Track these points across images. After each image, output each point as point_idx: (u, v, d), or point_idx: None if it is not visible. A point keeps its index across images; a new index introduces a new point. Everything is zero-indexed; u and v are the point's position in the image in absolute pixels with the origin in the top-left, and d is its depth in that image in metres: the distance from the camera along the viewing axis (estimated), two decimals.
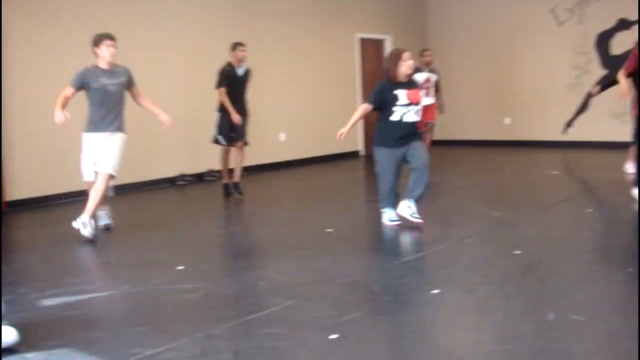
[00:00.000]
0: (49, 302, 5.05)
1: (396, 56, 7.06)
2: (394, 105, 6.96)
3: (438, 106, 12.29)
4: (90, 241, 6.97)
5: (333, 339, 4.01)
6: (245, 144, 9.72)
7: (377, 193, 7.35)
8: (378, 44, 15.15)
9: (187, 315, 4.66)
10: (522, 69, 15.18)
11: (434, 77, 11.89)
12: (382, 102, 7.06)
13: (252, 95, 9.87)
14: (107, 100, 7.32)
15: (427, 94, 11.53)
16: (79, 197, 9.47)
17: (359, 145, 14.61)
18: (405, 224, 7.06)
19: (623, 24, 13.89)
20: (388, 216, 7.19)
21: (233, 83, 9.52)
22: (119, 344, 4.11)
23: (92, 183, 7.38)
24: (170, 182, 10.92)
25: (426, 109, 11.48)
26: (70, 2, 9.76)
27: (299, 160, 12.98)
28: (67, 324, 4.52)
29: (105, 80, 7.26)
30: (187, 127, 10.99)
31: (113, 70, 7.36)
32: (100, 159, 7.28)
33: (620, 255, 5.89)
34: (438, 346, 4.04)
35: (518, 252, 5.88)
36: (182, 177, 11.02)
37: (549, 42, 14.73)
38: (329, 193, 10.05)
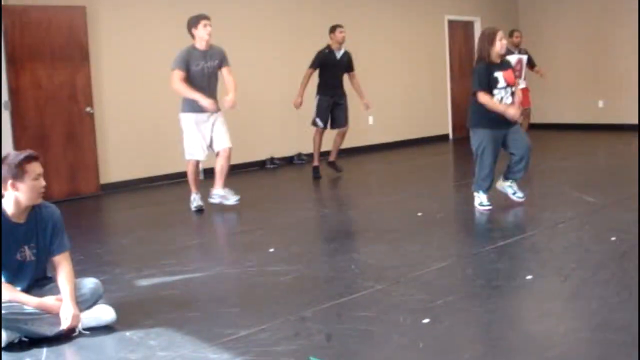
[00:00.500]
0: (144, 282, 5.18)
1: (490, 35, 6.94)
2: (495, 88, 6.87)
3: (541, 74, 12.21)
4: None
5: (425, 323, 4.00)
6: (343, 126, 9.92)
7: (472, 175, 7.27)
8: (467, 25, 14.95)
9: (279, 297, 4.71)
10: (615, 50, 14.75)
11: (524, 58, 11.66)
12: (489, 84, 6.93)
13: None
14: (207, 81, 7.48)
15: (518, 77, 11.33)
16: (172, 180, 9.70)
17: (448, 128, 14.48)
18: (494, 210, 6.98)
19: None
20: (480, 200, 7.11)
21: (329, 66, 9.60)
22: (213, 324, 4.18)
23: (196, 163, 7.63)
24: (259, 166, 11.02)
25: (525, 92, 11.36)
26: None
27: (388, 143, 12.94)
28: (162, 304, 4.62)
29: (203, 63, 7.41)
30: (278, 110, 11.08)
31: (210, 51, 7.50)
32: (215, 137, 7.53)
33: None
34: (531, 333, 3.98)
35: (613, 238, 5.74)
36: (272, 160, 11.11)
37: None
38: (419, 176, 10.00)
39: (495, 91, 6.88)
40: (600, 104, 15.14)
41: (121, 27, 9.56)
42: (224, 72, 7.65)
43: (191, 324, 4.20)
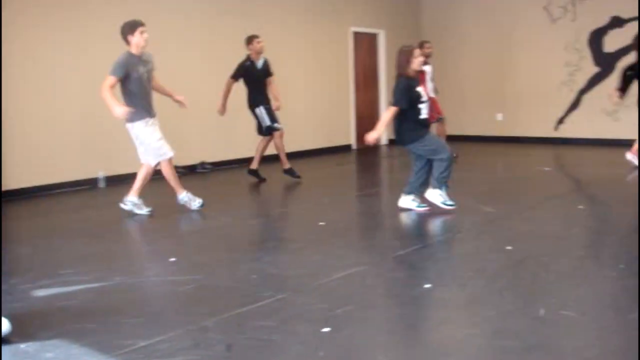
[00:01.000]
0: (41, 292, 5.05)
1: (408, 52, 7.14)
2: (420, 102, 7.06)
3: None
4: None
5: (325, 332, 4.02)
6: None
7: (406, 182, 7.55)
8: (372, 37, 15.15)
9: (179, 307, 4.66)
10: (515, 65, 15.21)
11: (429, 69, 11.88)
12: (410, 102, 7.12)
13: (244, 90, 9.94)
14: (146, 87, 7.54)
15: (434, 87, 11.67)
16: (71, 188, 9.51)
17: (351, 138, 14.62)
18: (395, 220, 7.10)
19: (616, 22, 13.92)
20: (442, 199, 7.44)
21: (253, 77, 9.74)
22: (112, 335, 4.11)
23: (170, 161, 7.81)
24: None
25: (434, 102, 11.59)
26: None
27: (292, 153, 12.93)
28: (60, 315, 4.52)
29: (141, 69, 7.42)
30: (180, 119, 10.97)
31: (144, 57, 7.53)
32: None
33: (612, 252, 5.91)
34: (430, 340, 4.06)
35: (510, 247, 5.90)
36: (175, 168, 10.96)
37: (543, 39, 14.77)
38: (322, 186, 10.06)
39: (421, 105, 7.09)
40: (499, 117, 15.55)
41: (28, 33, 9.32)
42: (155, 78, 7.77)
43: (89, 335, 4.12)
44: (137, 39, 7.36)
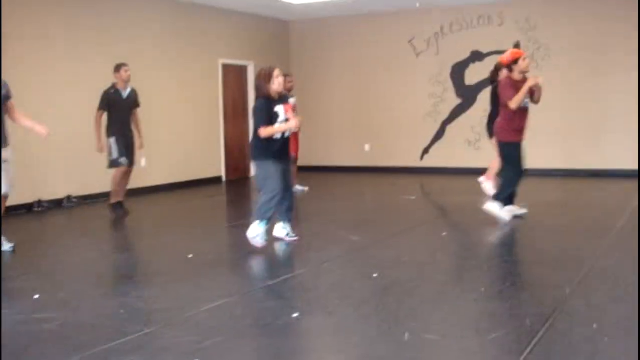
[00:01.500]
0: None
1: (267, 74, 7.15)
2: (276, 121, 7.06)
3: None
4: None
5: None
6: (132, 165, 9.98)
7: (256, 210, 7.38)
8: (241, 70, 15.23)
9: (44, 346, 4.54)
10: (382, 97, 15.59)
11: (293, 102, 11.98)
12: (271, 120, 7.12)
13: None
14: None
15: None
16: None
17: (221, 170, 14.61)
18: (263, 250, 7.13)
19: (476, 56, 14.51)
20: (285, 232, 7.46)
21: (117, 106, 9.59)
22: None
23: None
24: (27, 208, 10.56)
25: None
26: None
27: (161, 185, 12.85)
28: None
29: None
30: (45, 150, 10.73)
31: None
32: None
33: (473, 276, 6.13)
34: None
35: (375, 275, 6.04)
36: (39, 203, 10.69)
37: (408, 71, 15.23)
38: (192, 218, 10.01)
39: (277, 125, 7.08)
40: (367, 147, 15.87)
41: None
42: (9, 105, 7.36)
43: None
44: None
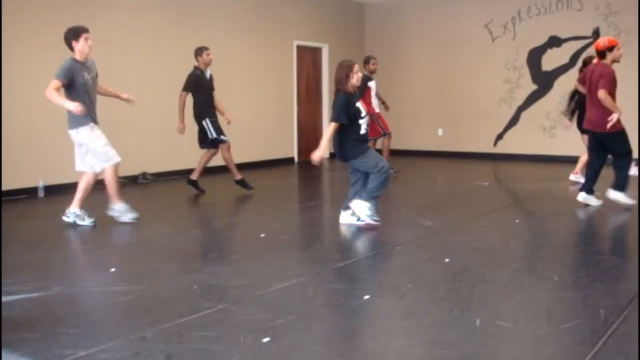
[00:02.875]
0: None
1: (348, 68, 7.13)
2: (360, 118, 7.08)
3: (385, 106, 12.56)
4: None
5: (265, 342, 4.06)
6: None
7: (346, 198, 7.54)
8: (315, 51, 15.25)
9: (119, 317, 4.66)
10: (457, 82, 15.46)
11: (373, 85, 11.95)
12: (349, 117, 7.12)
13: (188, 101, 9.91)
14: (90, 94, 7.51)
15: (379, 101, 11.78)
16: (10, 197, 9.38)
17: (294, 151, 14.68)
18: (335, 232, 7.15)
19: (554, 41, 14.26)
20: (370, 212, 7.37)
21: (203, 87, 9.79)
22: (51, 345, 4.08)
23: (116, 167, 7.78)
24: (103, 184, 10.75)
25: (380, 118, 11.71)
26: None
27: (237, 164, 12.96)
28: None
29: (86, 75, 7.38)
30: (122, 128, 10.93)
31: (88, 63, 7.50)
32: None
33: (547, 264, 6.05)
34: (368, 349, 4.12)
35: (447, 260, 6.01)
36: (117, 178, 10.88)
37: (484, 56, 15.06)
38: (264, 198, 10.08)
39: (361, 121, 7.12)
40: (440, 132, 15.77)
41: None
42: (98, 82, 7.76)
43: (28, 345, 4.09)
44: (81, 45, 7.33)
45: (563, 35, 14.09)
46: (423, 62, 15.85)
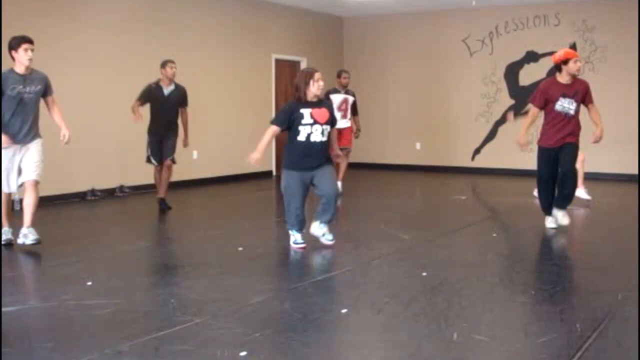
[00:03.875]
0: None
1: (307, 75, 6.96)
2: (300, 124, 6.86)
3: (354, 130, 12.10)
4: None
5: (242, 356, 4.04)
6: (173, 161, 9.82)
7: (285, 214, 7.38)
8: (294, 65, 15.27)
9: (95, 332, 4.62)
10: (435, 96, 15.53)
11: (350, 99, 11.84)
12: (288, 122, 6.94)
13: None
14: (23, 109, 7.07)
15: (343, 116, 11.55)
16: None
17: (272, 164, 14.68)
18: (313, 246, 7.13)
19: (531, 56, 14.38)
20: (293, 239, 7.19)
21: (157, 102, 9.51)
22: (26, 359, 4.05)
23: (9, 195, 7.22)
24: (80, 197, 10.75)
25: (342, 132, 11.54)
26: None
27: (211, 178, 12.95)
28: None
29: (21, 87, 7.01)
30: (100, 140, 10.91)
31: (31, 76, 7.11)
32: (24, 167, 7.10)
33: (524, 278, 6.09)
34: None
35: (425, 274, 6.02)
36: (93, 191, 10.87)
37: (461, 71, 15.14)
38: (241, 212, 10.07)
39: (300, 127, 6.86)
40: (418, 146, 15.82)
41: None
42: (49, 101, 7.32)
43: None
44: (20, 56, 6.96)
45: (540, 51, 14.21)
46: (401, 76, 15.91)
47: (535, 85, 13.98)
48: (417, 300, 5.26)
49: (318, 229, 7.21)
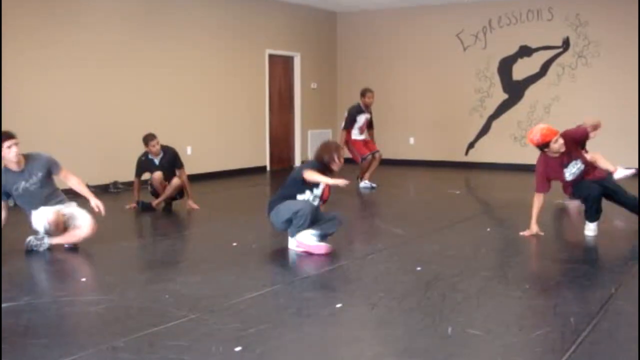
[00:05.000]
0: None
1: (335, 151, 6.91)
2: (308, 189, 6.84)
3: (371, 136, 12.30)
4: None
5: (237, 352, 4.05)
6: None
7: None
8: (287, 60, 15.26)
9: (90, 328, 4.62)
10: (428, 91, 15.53)
11: (368, 117, 11.90)
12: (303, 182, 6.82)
13: (160, 110, 9.84)
14: (36, 199, 6.96)
15: (360, 133, 11.68)
16: None
17: (266, 160, 14.68)
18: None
19: (524, 51, 14.39)
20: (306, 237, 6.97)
21: (152, 172, 9.55)
22: (19, 356, 4.04)
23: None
24: (73, 193, 10.68)
25: (367, 143, 11.64)
26: None
27: (206, 174, 12.94)
28: None
29: (24, 184, 6.83)
30: (94, 137, 10.89)
31: (28, 167, 6.84)
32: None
33: (517, 272, 6.10)
34: (340, 359, 4.13)
35: (419, 268, 6.03)
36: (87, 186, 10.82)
37: (455, 65, 15.14)
38: (236, 207, 10.07)
39: (307, 191, 6.88)
40: (412, 140, 15.83)
41: None
42: (60, 177, 7.17)
43: None
44: (4, 154, 6.60)
45: (533, 45, 14.23)
46: (395, 71, 15.90)
47: (528, 80, 14.13)
48: (412, 295, 5.27)
49: (310, 235, 6.88)
